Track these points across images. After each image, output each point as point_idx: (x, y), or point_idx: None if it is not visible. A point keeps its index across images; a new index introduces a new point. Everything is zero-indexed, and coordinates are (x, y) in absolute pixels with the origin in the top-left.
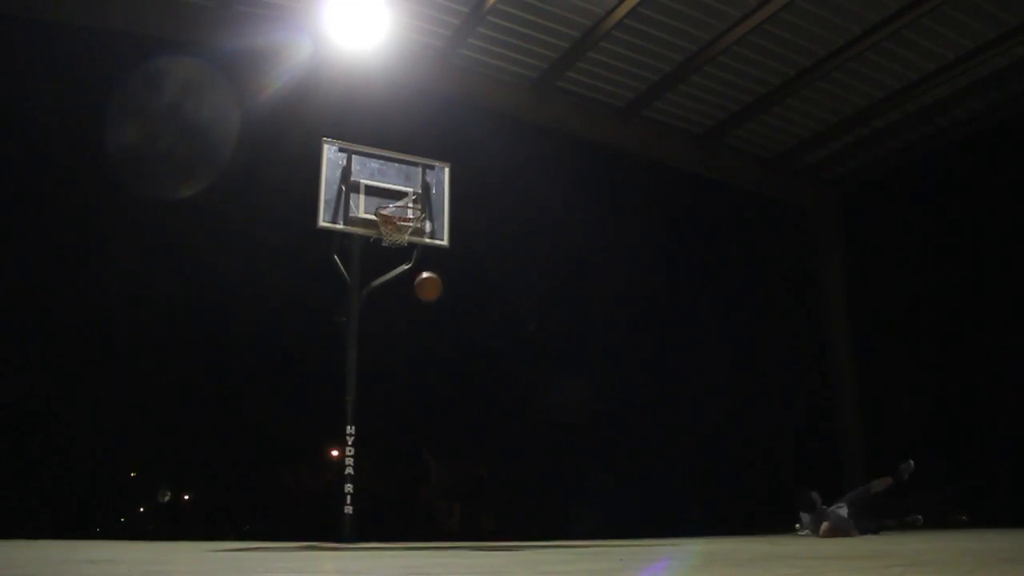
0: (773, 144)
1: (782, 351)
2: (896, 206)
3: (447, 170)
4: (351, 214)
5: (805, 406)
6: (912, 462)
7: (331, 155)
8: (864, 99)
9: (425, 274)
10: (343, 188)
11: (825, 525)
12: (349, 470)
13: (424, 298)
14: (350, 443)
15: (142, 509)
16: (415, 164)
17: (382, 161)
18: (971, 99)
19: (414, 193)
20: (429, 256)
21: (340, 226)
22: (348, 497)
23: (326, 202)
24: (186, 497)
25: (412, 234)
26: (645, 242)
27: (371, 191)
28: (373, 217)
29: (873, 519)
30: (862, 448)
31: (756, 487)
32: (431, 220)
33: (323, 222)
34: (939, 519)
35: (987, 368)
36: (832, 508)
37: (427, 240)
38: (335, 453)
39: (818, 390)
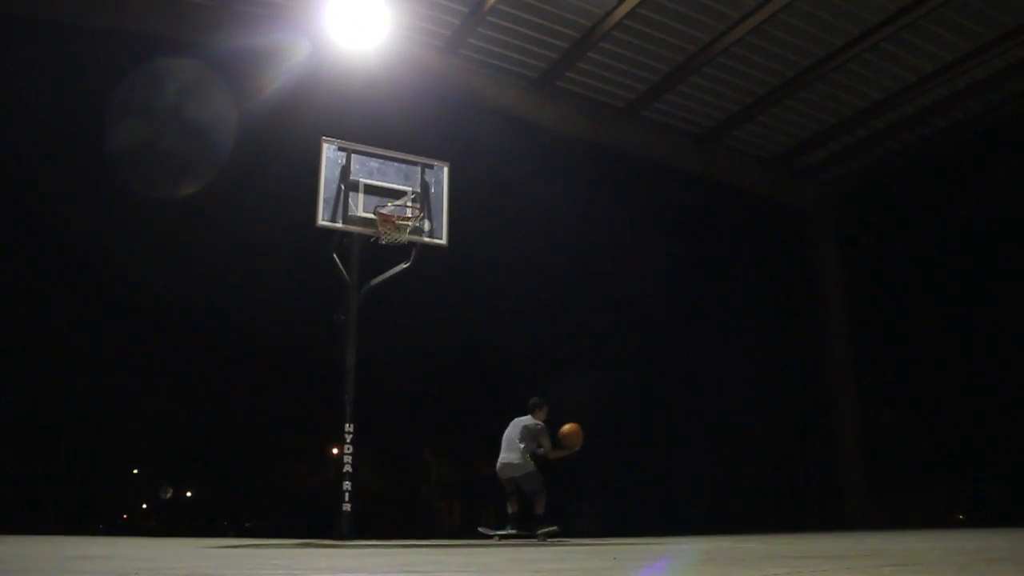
0: (773, 144)
1: (780, 350)
2: (895, 206)
3: (446, 169)
4: (350, 213)
5: (803, 404)
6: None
7: (330, 154)
8: (863, 100)
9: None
10: (342, 187)
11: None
12: (348, 468)
13: (569, 443)
14: (349, 440)
15: (144, 506)
16: (414, 163)
17: (381, 160)
18: (969, 100)
19: (413, 192)
20: (428, 255)
21: (339, 225)
22: (347, 495)
23: (325, 201)
24: (188, 494)
25: (411, 233)
26: (644, 242)
27: (370, 190)
28: (372, 216)
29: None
30: (859, 446)
31: (755, 486)
32: (430, 219)
33: (322, 221)
34: (937, 518)
35: (985, 367)
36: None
37: (426, 239)
38: (334, 451)
39: (816, 389)
